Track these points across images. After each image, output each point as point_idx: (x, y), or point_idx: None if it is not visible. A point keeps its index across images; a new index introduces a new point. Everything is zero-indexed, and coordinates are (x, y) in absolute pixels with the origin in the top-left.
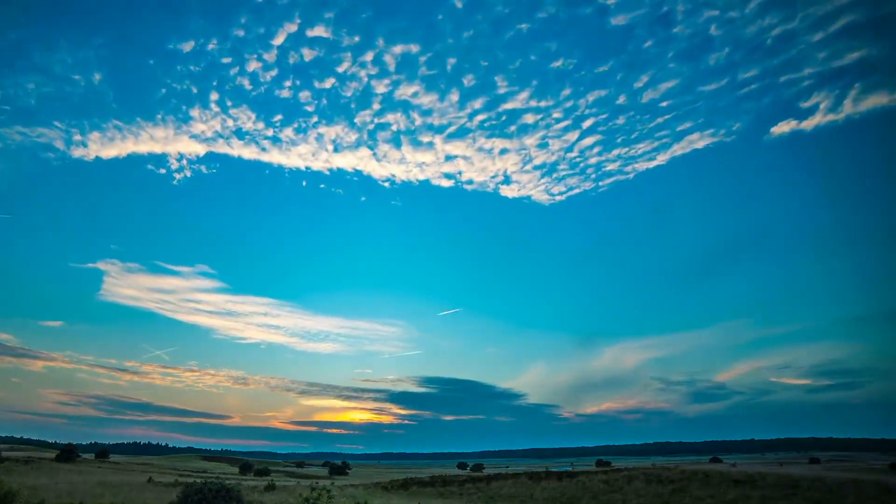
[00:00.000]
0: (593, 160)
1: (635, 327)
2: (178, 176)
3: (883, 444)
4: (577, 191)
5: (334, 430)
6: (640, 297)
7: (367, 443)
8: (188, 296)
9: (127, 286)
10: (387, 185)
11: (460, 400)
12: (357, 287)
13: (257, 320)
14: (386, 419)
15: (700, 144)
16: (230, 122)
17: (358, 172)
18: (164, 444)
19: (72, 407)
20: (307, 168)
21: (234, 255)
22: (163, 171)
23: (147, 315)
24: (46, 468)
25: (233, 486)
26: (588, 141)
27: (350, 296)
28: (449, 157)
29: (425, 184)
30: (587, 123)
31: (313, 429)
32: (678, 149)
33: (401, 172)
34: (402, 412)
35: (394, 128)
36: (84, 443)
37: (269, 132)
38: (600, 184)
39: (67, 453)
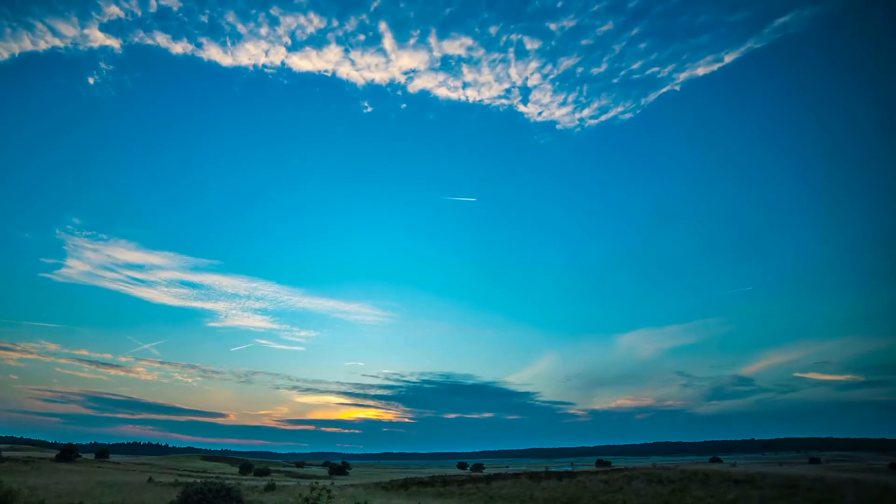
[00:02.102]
0: (637, 64)
1: (657, 313)
2: (99, 94)
3: (883, 444)
4: (612, 112)
5: (332, 429)
6: (667, 274)
7: (366, 442)
8: (164, 276)
9: (89, 262)
10: (368, 107)
11: (462, 397)
12: (334, 255)
13: (240, 304)
14: (385, 416)
15: (794, 30)
16: (151, 1)
17: (326, 79)
18: (163, 443)
19: (57, 404)
20: (256, 68)
21: (186, 216)
22: (80, 86)
23: (121, 297)
24: (46, 468)
25: (233, 486)
26: (634, 31)
27: (330, 268)
28: (448, 60)
29: (419, 98)
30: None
31: (311, 427)
32: (753, 43)
33: (382, 79)
34: (402, 410)
35: (372, 6)
36: (80, 442)
37: (204, 16)
38: (643, 101)
39: (67, 453)
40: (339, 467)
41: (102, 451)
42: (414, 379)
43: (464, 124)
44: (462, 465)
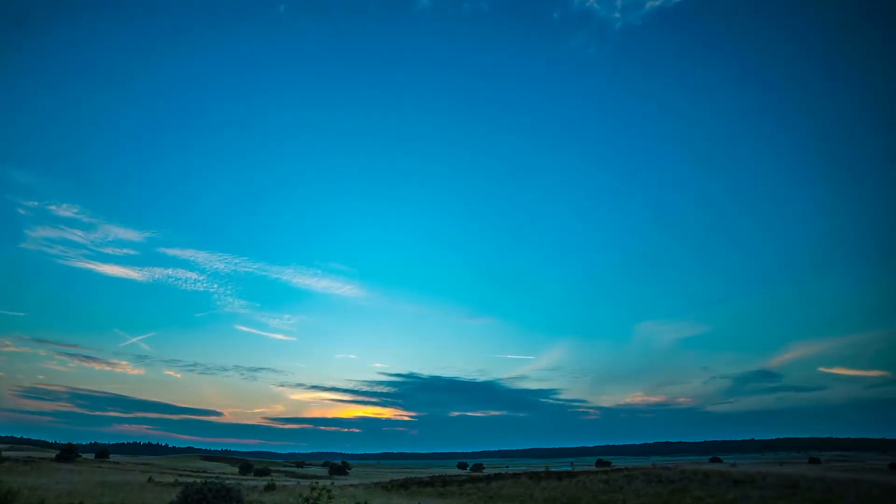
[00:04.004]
0: None
1: (672, 303)
2: None
3: (883, 444)
4: None
5: (330, 428)
6: (683, 263)
7: (366, 442)
8: (133, 252)
9: (47, 237)
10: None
11: (464, 394)
12: (319, 230)
13: (221, 285)
14: (385, 414)
15: None
16: None
17: None
18: (163, 443)
19: (46, 402)
20: None
21: (137, 176)
22: None
23: (94, 278)
24: (46, 468)
25: (233, 486)
26: None
27: (315, 242)
28: None
29: None
30: None
31: (308, 426)
32: None
33: None
34: (403, 408)
35: None
36: (79, 442)
37: None
38: None
39: (67, 453)
40: (339, 467)
41: (102, 451)
42: (424, 374)
43: (465, 18)
44: (462, 465)
